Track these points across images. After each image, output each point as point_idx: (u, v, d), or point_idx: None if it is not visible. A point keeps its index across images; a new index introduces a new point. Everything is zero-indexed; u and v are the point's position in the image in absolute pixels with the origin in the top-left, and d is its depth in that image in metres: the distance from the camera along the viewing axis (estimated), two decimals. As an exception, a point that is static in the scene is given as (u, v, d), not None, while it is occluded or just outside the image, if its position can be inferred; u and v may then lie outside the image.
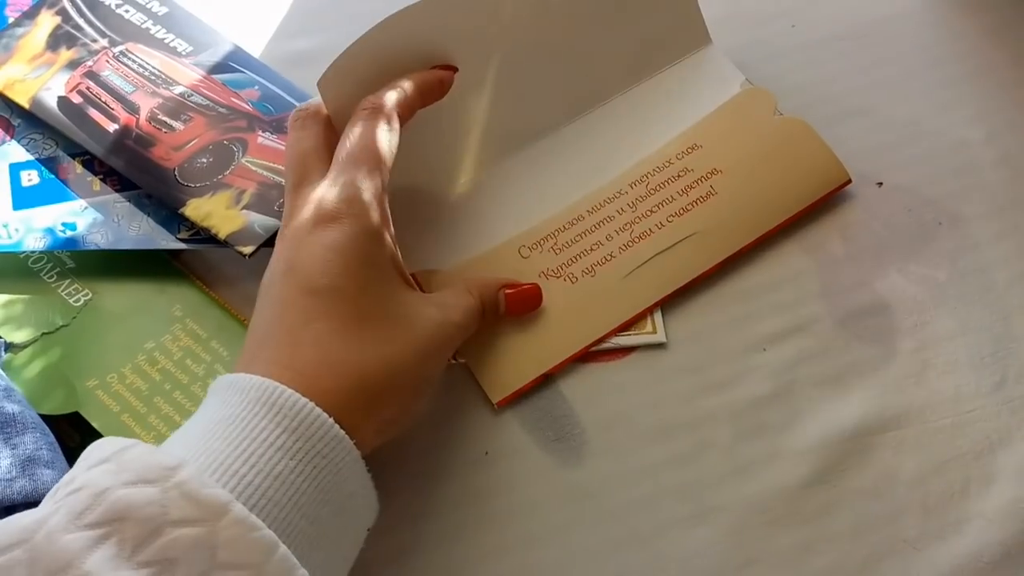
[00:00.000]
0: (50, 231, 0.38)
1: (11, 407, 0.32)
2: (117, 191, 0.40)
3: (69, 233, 0.39)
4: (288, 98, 0.43)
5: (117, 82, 0.42)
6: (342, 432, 0.26)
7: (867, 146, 0.42)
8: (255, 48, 0.46)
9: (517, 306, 0.36)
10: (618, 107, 0.42)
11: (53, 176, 0.40)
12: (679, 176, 0.40)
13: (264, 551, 0.22)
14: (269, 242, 0.38)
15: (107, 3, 0.45)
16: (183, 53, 0.44)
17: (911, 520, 0.34)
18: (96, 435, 0.34)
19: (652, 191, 0.39)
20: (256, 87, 0.43)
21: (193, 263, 0.40)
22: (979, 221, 0.40)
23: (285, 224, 0.32)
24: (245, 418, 0.25)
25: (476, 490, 0.35)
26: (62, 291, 0.38)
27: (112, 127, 0.40)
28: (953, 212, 0.41)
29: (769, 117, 0.41)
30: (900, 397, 0.36)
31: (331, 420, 0.26)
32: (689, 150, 0.40)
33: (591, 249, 0.38)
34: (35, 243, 0.38)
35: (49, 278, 0.38)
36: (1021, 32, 0.45)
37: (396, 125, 0.33)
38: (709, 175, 0.40)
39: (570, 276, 0.38)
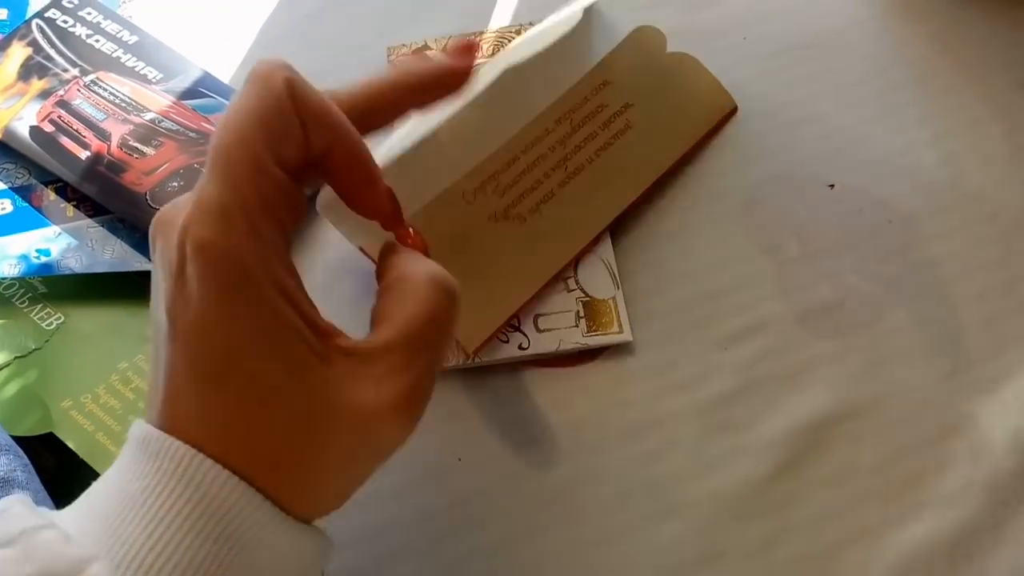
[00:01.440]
0: (24, 258, 0.39)
1: (-15, 429, 0.32)
2: (90, 217, 0.41)
3: (43, 259, 0.39)
4: None
5: (88, 110, 0.43)
6: (259, 497, 0.21)
7: (819, 151, 0.44)
8: (225, 74, 0.47)
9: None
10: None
11: (27, 204, 0.41)
12: (597, 111, 0.42)
13: None
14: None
15: (78, 34, 0.46)
16: (153, 80, 0.45)
17: (871, 508, 0.35)
18: (71, 455, 0.35)
19: (576, 127, 0.41)
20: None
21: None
22: (927, 218, 0.42)
23: None
24: (161, 495, 0.21)
25: (450, 496, 0.35)
26: (34, 315, 0.38)
27: (84, 154, 0.41)
28: (903, 211, 0.42)
29: (662, 53, 0.44)
30: (857, 389, 0.38)
31: (210, 462, 0.21)
32: (601, 86, 0.42)
33: (532, 188, 0.40)
34: (9, 270, 0.38)
35: (21, 303, 0.39)
36: (961, 38, 0.47)
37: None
38: (623, 110, 0.42)
39: (518, 216, 0.39)
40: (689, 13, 0.48)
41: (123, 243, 0.40)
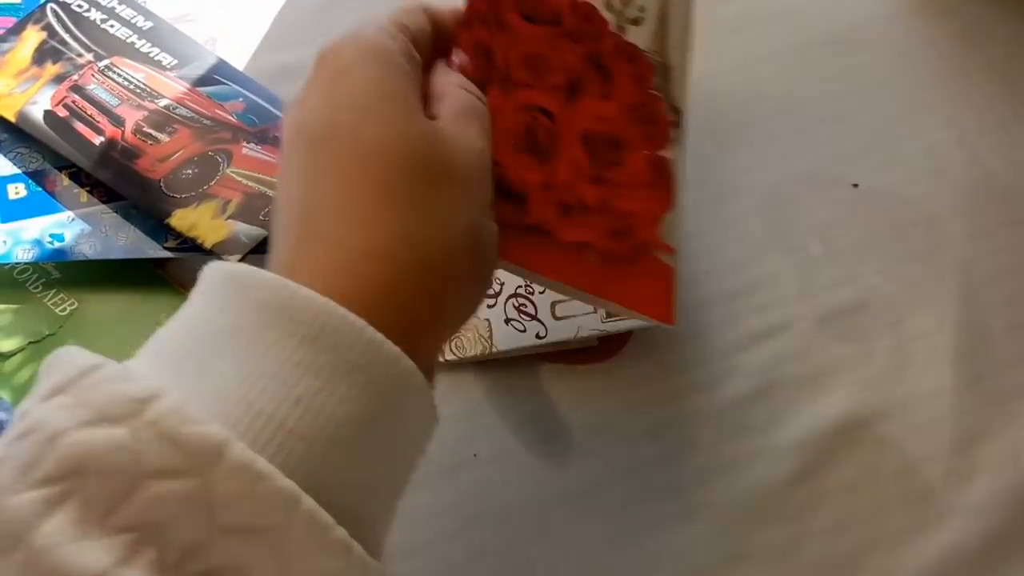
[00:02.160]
0: (38, 243, 0.39)
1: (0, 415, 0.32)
2: (104, 202, 0.40)
3: (57, 244, 0.39)
4: (272, 110, 0.43)
5: (103, 95, 0.42)
6: (380, 336, 0.19)
7: (843, 150, 0.43)
8: (239, 61, 0.46)
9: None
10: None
11: (40, 189, 0.41)
12: None
13: (281, 507, 0.17)
14: (255, 251, 0.38)
15: (92, 18, 0.45)
16: (168, 66, 0.44)
17: (894, 514, 0.34)
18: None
19: None
20: (240, 99, 0.43)
21: (177, 272, 0.40)
22: (952, 221, 0.41)
23: None
24: (253, 327, 0.19)
25: (467, 492, 0.35)
26: (48, 301, 0.38)
27: (98, 140, 0.41)
28: (927, 212, 0.41)
29: None
30: (880, 394, 0.37)
31: (364, 323, 0.19)
32: None
33: None
34: (23, 255, 0.38)
35: (35, 289, 0.38)
36: (989, 36, 0.46)
37: None
38: None
39: None
40: (710, 7, 0.47)
41: (137, 229, 0.40)
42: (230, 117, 0.42)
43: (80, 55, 0.44)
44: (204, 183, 0.40)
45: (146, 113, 0.42)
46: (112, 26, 0.45)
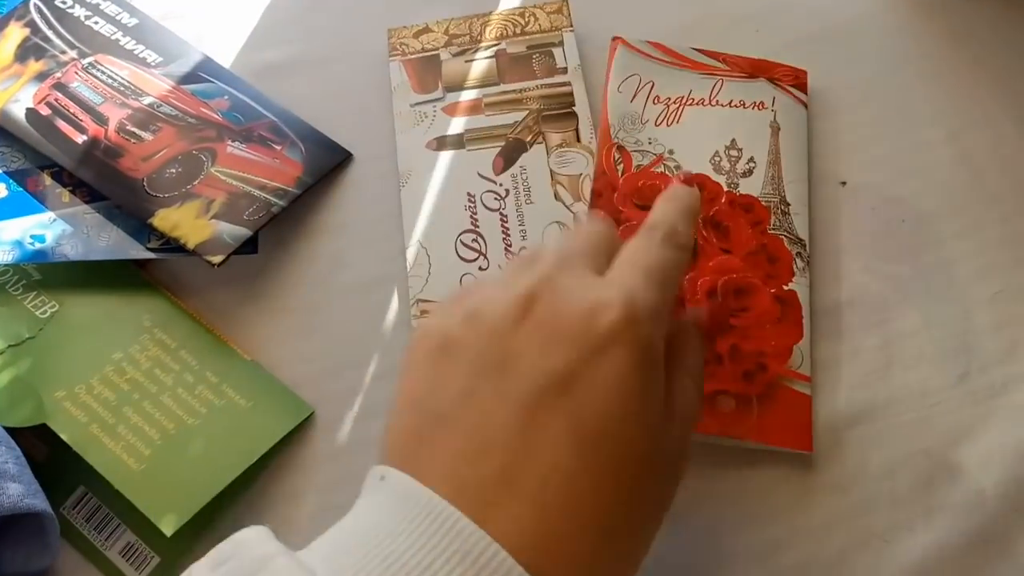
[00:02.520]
0: (18, 243, 0.38)
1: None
2: (87, 203, 0.40)
3: (38, 245, 0.38)
4: (257, 107, 0.43)
5: (86, 93, 0.42)
6: None
7: (831, 147, 0.43)
8: (225, 59, 0.46)
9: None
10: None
11: (21, 189, 0.40)
12: None
13: None
14: (238, 251, 0.38)
15: (76, 15, 0.45)
16: (152, 64, 0.44)
17: (880, 513, 0.34)
18: (64, 447, 0.34)
19: None
20: (225, 97, 0.43)
21: (161, 273, 0.40)
22: (940, 219, 0.41)
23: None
24: (424, 545, 0.20)
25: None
26: (28, 303, 0.38)
27: (81, 139, 0.40)
28: (916, 210, 0.41)
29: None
30: (867, 392, 0.37)
31: None
32: None
33: None
34: (3, 256, 0.38)
35: (15, 291, 0.38)
36: (978, 34, 0.46)
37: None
38: None
39: None
40: (702, 4, 0.47)
41: (120, 230, 0.39)
42: (215, 115, 0.42)
43: (63, 52, 0.43)
44: (188, 182, 0.40)
45: (130, 111, 0.41)
46: (96, 23, 0.45)
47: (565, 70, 0.43)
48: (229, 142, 0.41)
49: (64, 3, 0.45)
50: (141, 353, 0.37)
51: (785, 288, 0.37)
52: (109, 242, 0.39)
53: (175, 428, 0.35)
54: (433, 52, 0.44)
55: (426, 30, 0.45)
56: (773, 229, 0.38)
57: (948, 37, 0.46)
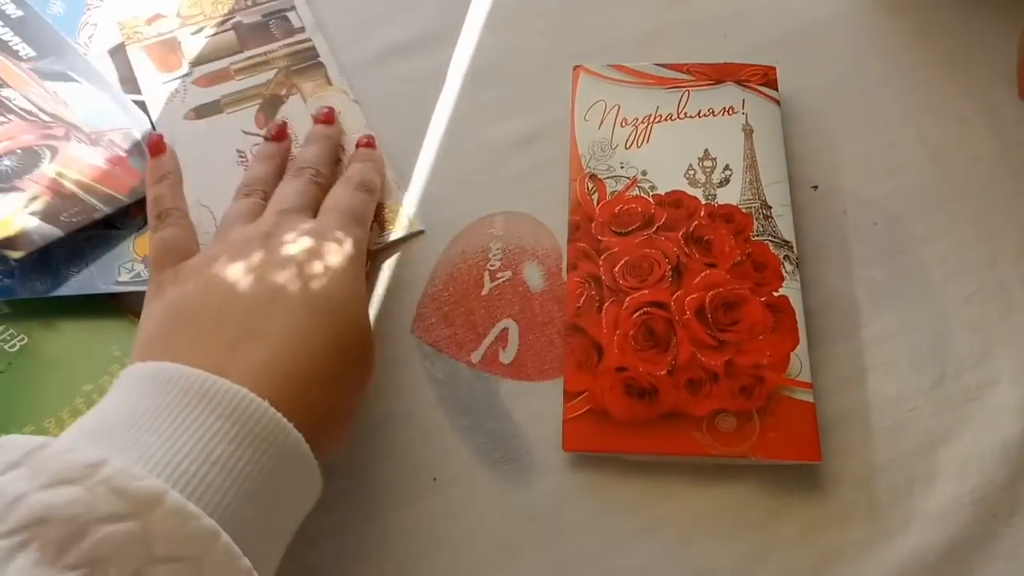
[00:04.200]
0: (-16, 278, 0.38)
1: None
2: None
3: (6, 281, 0.38)
4: (121, 115, 0.43)
5: None
6: (279, 415, 0.25)
7: (801, 150, 0.43)
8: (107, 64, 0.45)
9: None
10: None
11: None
12: None
13: (204, 541, 0.21)
14: (43, 250, 0.38)
15: None
16: (24, 57, 0.44)
17: (858, 521, 0.34)
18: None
19: None
20: (90, 98, 0.43)
21: (132, 303, 0.39)
22: (913, 220, 0.41)
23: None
24: (175, 408, 0.24)
25: (427, 517, 0.34)
26: (-6, 338, 0.37)
27: None
28: (888, 212, 0.41)
29: None
30: (842, 399, 0.37)
31: (267, 403, 0.25)
32: None
33: None
34: (-32, 291, 0.37)
35: (-25, 325, 0.38)
36: (945, 31, 0.46)
37: None
38: None
39: None
40: (667, 10, 0.47)
41: (90, 264, 0.39)
42: (71, 115, 0.42)
43: None
44: (19, 176, 0.39)
45: None
46: None
47: (303, 29, 0.46)
48: (75, 142, 0.41)
49: None
50: (111, 383, 0.36)
51: (776, 294, 0.36)
52: (79, 276, 0.38)
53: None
54: (169, 34, 0.45)
55: (157, 16, 0.46)
56: (757, 235, 0.38)
57: (915, 36, 0.46)
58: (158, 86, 0.44)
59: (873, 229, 0.41)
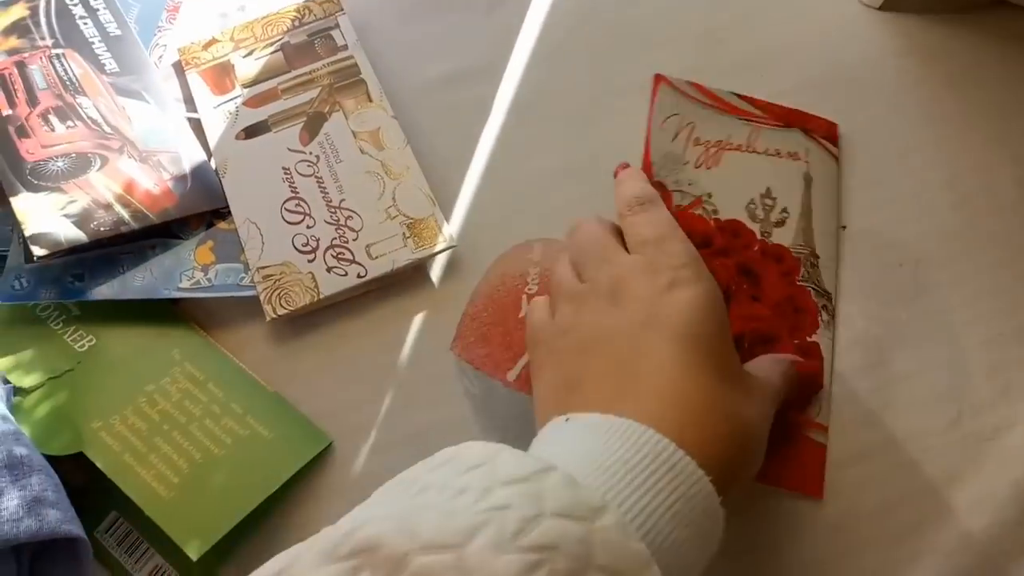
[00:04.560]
0: (58, 281, 0.41)
1: (20, 450, 0.34)
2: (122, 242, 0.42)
3: (77, 284, 0.41)
4: (173, 137, 0.45)
5: (36, 77, 0.45)
6: (722, 510, 0.26)
7: (832, 191, 0.44)
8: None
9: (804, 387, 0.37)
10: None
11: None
12: None
13: None
14: (66, 253, 0.40)
15: (74, 12, 0.49)
16: (108, 71, 0.47)
17: (871, 554, 0.36)
18: (99, 474, 0.36)
19: None
20: (152, 119, 0.46)
21: (193, 309, 0.42)
22: (939, 263, 0.42)
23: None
24: (645, 473, 0.25)
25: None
26: (67, 337, 0.40)
27: (6, 111, 0.44)
28: (915, 254, 0.42)
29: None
30: (862, 434, 0.38)
31: (715, 492, 0.26)
32: None
33: None
34: (46, 295, 0.40)
35: (56, 325, 0.40)
36: (978, 80, 0.47)
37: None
38: None
39: None
40: (709, 48, 0.49)
41: (153, 270, 0.42)
42: (130, 130, 0.45)
43: (43, 39, 0.47)
44: (66, 178, 0.42)
45: (60, 104, 0.45)
46: (86, 23, 0.49)
47: (346, 47, 0.48)
48: (126, 157, 0.44)
49: (71, 0, 0.49)
50: (172, 385, 0.39)
51: (809, 340, 0.38)
52: (143, 281, 0.41)
53: (202, 457, 0.37)
54: (224, 58, 0.48)
55: (213, 41, 0.49)
56: (802, 280, 0.40)
57: (951, 83, 0.47)
58: (212, 109, 0.46)
59: (899, 270, 0.42)
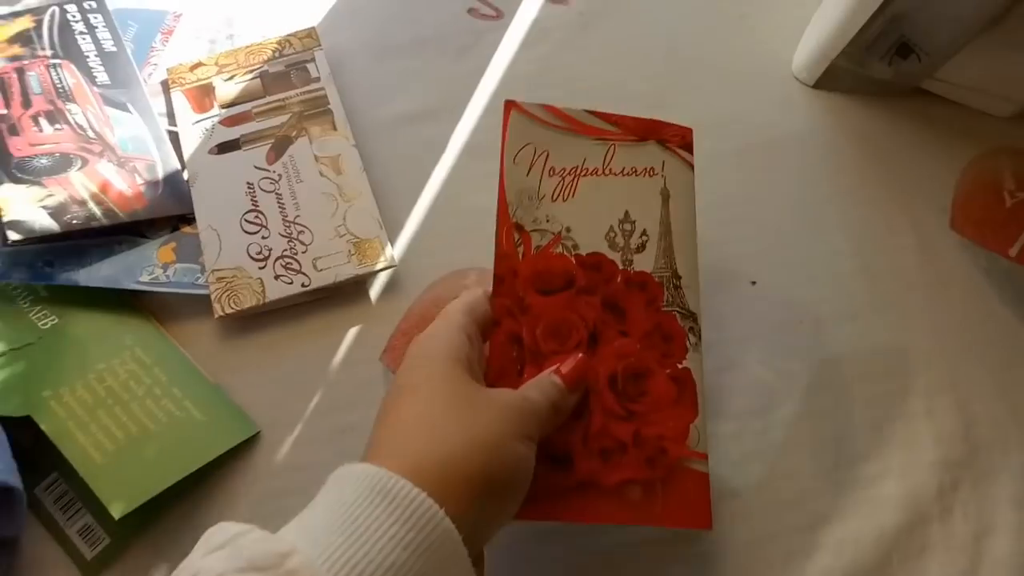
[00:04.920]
0: (31, 266, 0.45)
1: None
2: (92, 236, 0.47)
3: (47, 269, 0.45)
4: (151, 147, 0.50)
5: (33, 82, 0.51)
6: (452, 526, 0.27)
7: (746, 249, 0.48)
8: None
9: (572, 381, 0.35)
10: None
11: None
12: None
13: None
14: (39, 240, 0.44)
15: (75, 28, 0.54)
16: (98, 83, 0.52)
17: (737, 582, 0.39)
18: (45, 438, 0.40)
19: None
20: (133, 129, 0.51)
21: (150, 302, 0.46)
22: (835, 323, 0.46)
23: None
24: (359, 506, 0.26)
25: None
26: (33, 315, 0.44)
27: (2, 111, 0.49)
28: (815, 313, 0.46)
29: None
30: (744, 470, 0.41)
31: (442, 512, 0.27)
32: None
33: None
34: (17, 276, 0.44)
35: (24, 304, 0.45)
36: (894, 159, 0.52)
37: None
38: None
39: None
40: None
41: (118, 263, 0.46)
42: (112, 137, 0.50)
43: (43, 49, 0.52)
44: (49, 174, 0.47)
45: (51, 108, 0.49)
46: (84, 39, 0.54)
47: (319, 79, 0.53)
48: (105, 160, 0.48)
49: (73, 17, 0.54)
50: (121, 366, 0.43)
51: (680, 366, 0.38)
52: (109, 272, 0.45)
53: (138, 431, 0.41)
54: (207, 80, 0.53)
55: (199, 64, 0.54)
56: (666, 305, 0.38)
57: (866, 159, 0.52)
58: (191, 124, 0.51)
59: (799, 326, 0.46)
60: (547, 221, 0.39)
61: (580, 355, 0.36)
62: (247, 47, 0.55)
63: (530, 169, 0.40)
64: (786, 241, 0.49)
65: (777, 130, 0.53)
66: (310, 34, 0.55)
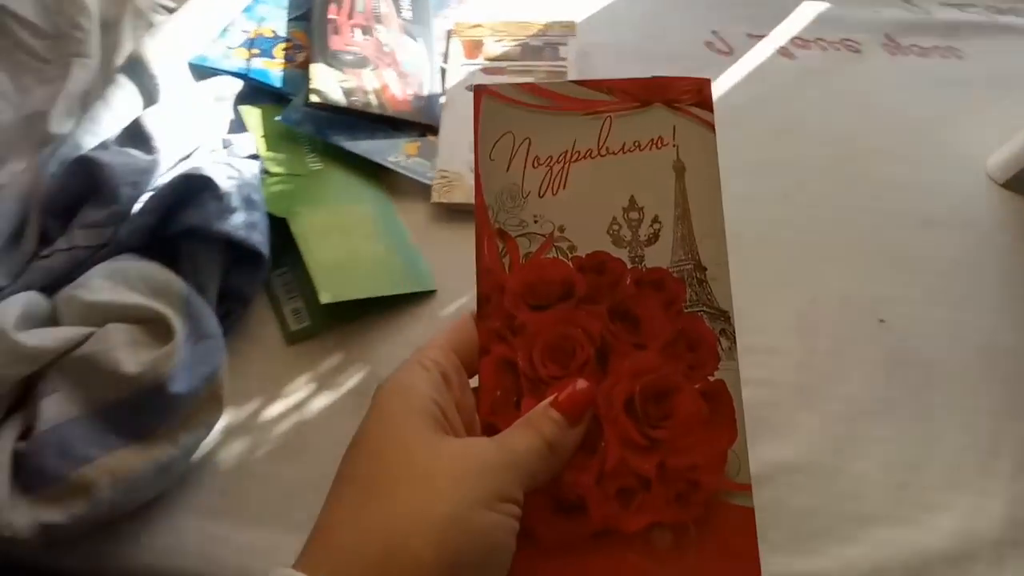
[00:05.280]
0: (318, 124, 0.59)
1: (256, 196, 0.51)
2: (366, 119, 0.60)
3: (328, 130, 0.59)
4: (428, 73, 0.59)
5: (358, 3, 0.66)
6: None
7: (891, 294, 0.53)
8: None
9: (573, 412, 0.29)
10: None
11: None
12: None
13: None
14: (329, 108, 0.58)
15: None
16: (403, 16, 0.68)
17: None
18: (289, 238, 0.52)
19: None
20: (418, 57, 0.61)
21: (388, 176, 0.59)
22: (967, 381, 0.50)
23: None
24: None
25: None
26: (307, 158, 0.59)
27: (332, 16, 0.62)
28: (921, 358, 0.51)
29: None
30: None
31: None
32: None
33: None
34: (308, 128, 0.59)
35: (304, 147, 0.59)
36: None
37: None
38: None
39: None
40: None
41: (375, 143, 0.59)
42: (400, 56, 0.63)
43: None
44: (351, 67, 0.61)
45: (365, 24, 0.64)
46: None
47: (565, 60, 0.65)
48: (390, 70, 0.62)
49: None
50: (356, 209, 0.56)
51: (711, 378, 0.31)
52: (368, 147, 0.59)
53: (354, 254, 0.53)
54: (480, 38, 0.67)
55: (479, 25, 0.68)
56: (690, 305, 0.32)
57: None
58: (459, 66, 0.65)
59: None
60: (535, 222, 0.33)
61: (579, 380, 0.30)
62: (519, 22, 0.68)
63: (510, 163, 0.33)
64: (937, 300, 0.53)
65: (950, 201, 0.58)
66: (570, 26, 0.67)
